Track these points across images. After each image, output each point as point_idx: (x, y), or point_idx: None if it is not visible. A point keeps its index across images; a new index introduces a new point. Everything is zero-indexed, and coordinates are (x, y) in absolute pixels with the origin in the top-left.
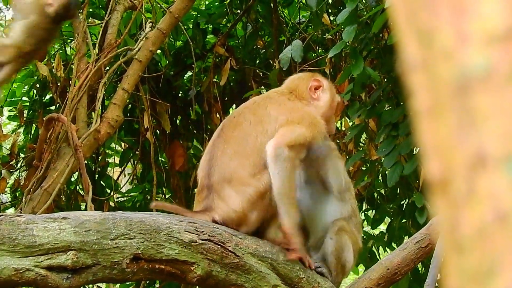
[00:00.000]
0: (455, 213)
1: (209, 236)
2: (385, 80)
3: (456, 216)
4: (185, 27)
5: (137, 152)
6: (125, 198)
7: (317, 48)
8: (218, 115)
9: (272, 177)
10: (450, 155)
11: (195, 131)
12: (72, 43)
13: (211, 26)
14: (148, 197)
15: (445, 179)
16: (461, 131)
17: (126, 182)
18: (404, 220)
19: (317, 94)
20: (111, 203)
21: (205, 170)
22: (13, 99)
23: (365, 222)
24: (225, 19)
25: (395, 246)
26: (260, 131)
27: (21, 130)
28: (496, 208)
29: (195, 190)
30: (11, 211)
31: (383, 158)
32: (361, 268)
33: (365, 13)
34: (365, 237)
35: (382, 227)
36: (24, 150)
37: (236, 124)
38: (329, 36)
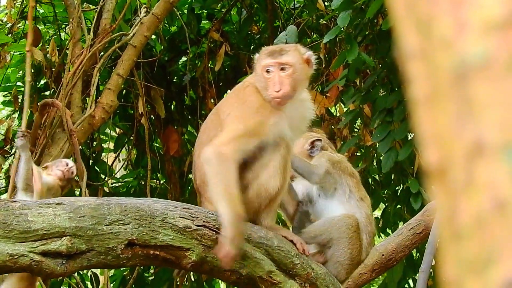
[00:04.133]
0: (453, 202)
1: (203, 222)
2: (380, 65)
3: (454, 205)
4: (180, 12)
5: (131, 138)
6: (120, 184)
7: (312, 33)
8: (212, 101)
9: None
10: (448, 143)
11: (189, 117)
12: (66, 28)
13: (206, 11)
14: (143, 183)
15: (443, 168)
16: (459, 120)
17: (121, 168)
18: (398, 206)
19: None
20: (106, 189)
21: (193, 173)
22: (8, 84)
23: None
24: (219, 5)
25: (390, 232)
26: (219, 132)
27: (16, 115)
28: (494, 196)
29: (190, 175)
30: (5, 196)
31: (377, 144)
32: None
33: None
34: None
35: (377, 213)
36: None
37: (205, 127)
38: (324, 22)
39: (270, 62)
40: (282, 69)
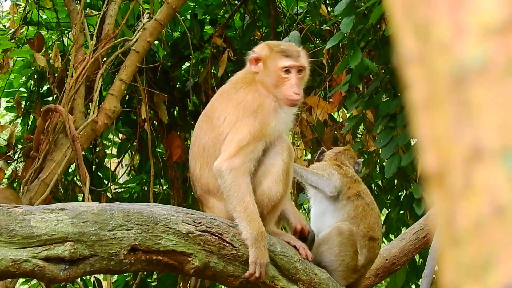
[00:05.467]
0: (452, 206)
1: (206, 227)
2: (383, 71)
3: (452, 209)
4: (183, 18)
5: (134, 143)
6: (123, 189)
7: (315, 39)
8: None
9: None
10: (447, 147)
11: (192, 122)
12: (69, 33)
13: (209, 17)
14: (146, 188)
15: (442, 172)
16: (458, 124)
17: (124, 173)
18: (401, 211)
19: (257, 67)
20: (109, 194)
21: (192, 184)
22: (11, 90)
23: None
24: (222, 10)
25: (393, 238)
26: (213, 137)
27: (19, 121)
28: (493, 201)
29: None
30: None
31: (380, 149)
32: None
33: (362, 4)
34: None
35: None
36: (22, 141)
37: (196, 136)
38: (327, 27)
39: (292, 64)
40: (299, 71)
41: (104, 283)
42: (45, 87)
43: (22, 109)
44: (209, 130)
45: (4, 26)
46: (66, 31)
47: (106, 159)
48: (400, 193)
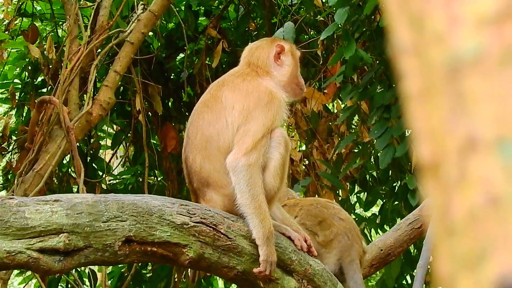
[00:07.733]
0: (446, 197)
1: (201, 218)
2: (377, 62)
3: (447, 200)
4: (177, 9)
5: (129, 135)
6: (117, 181)
7: (309, 30)
8: None
9: (234, 189)
10: (441, 138)
11: (187, 113)
12: (63, 25)
13: (203, 8)
14: (140, 180)
15: (436, 163)
16: (452, 115)
17: (118, 165)
18: (396, 202)
19: (280, 60)
20: (103, 186)
21: (187, 176)
22: (5, 81)
23: (358, 205)
24: (217, 1)
25: (388, 229)
26: (220, 127)
27: (13, 112)
28: (487, 191)
29: None
30: (3, 193)
31: (375, 140)
32: None
33: None
34: (357, 219)
35: (375, 209)
36: (16, 132)
37: (196, 128)
38: (321, 18)
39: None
40: None
41: (99, 275)
42: (40, 79)
43: (17, 101)
44: (214, 121)
45: None
46: (60, 23)
47: (101, 151)
48: (394, 184)
